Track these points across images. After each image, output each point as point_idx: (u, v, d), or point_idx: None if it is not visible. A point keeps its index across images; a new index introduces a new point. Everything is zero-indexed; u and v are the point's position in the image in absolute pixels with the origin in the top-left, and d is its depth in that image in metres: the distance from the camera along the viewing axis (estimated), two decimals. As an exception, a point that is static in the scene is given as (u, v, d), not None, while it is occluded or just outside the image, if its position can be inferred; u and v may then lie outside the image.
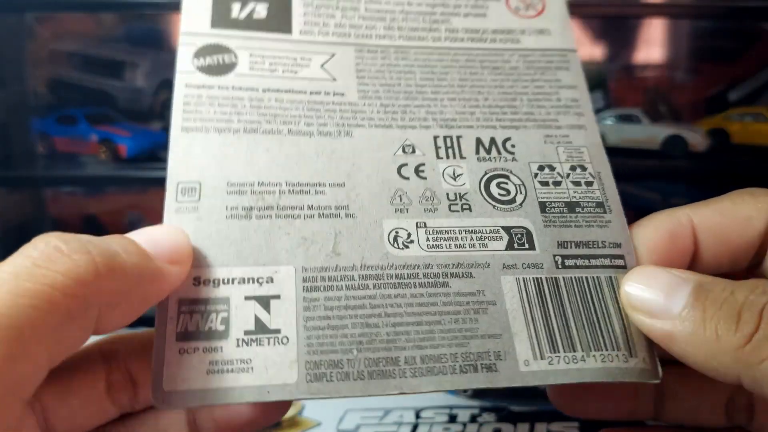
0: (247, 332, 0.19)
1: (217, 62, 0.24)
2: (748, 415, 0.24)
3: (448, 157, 0.24)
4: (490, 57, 0.26)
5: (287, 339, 0.19)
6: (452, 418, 0.40)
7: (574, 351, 0.20)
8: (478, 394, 0.42)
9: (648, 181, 0.72)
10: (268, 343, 0.19)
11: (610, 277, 0.22)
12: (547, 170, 0.24)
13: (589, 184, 0.23)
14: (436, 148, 0.24)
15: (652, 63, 0.74)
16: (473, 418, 0.40)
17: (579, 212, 0.23)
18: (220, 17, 0.25)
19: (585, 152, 0.24)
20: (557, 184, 0.23)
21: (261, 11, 0.26)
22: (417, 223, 0.22)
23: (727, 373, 0.18)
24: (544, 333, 0.20)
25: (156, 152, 0.70)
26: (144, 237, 0.19)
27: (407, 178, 0.23)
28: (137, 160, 0.68)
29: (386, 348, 0.19)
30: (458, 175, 0.23)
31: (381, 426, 0.39)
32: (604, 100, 0.68)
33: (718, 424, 0.24)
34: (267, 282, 0.20)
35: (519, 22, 0.27)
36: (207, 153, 0.22)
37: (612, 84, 0.73)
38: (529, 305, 0.21)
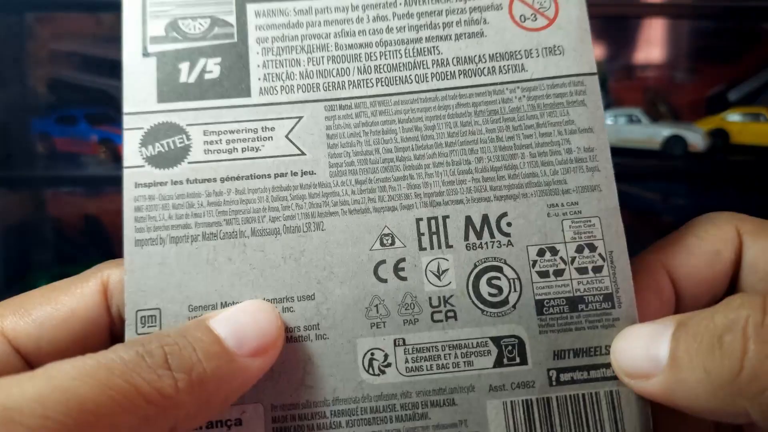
0: None
1: (167, 148, 0.21)
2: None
3: (432, 247, 0.20)
4: (486, 97, 0.21)
5: None
6: None
7: None
8: None
9: (648, 181, 0.72)
10: None
11: (611, 391, 0.19)
12: (548, 255, 0.20)
13: (597, 270, 0.20)
14: (419, 235, 0.20)
15: (652, 63, 0.74)
16: None
17: (582, 310, 0.20)
18: (168, 86, 0.21)
19: (596, 225, 0.20)
20: (559, 273, 0.20)
21: (213, 69, 0.22)
22: (395, 341, 0.20)
23: (734, 411, 0.16)
24: None
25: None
26: (229, 329, 0.18)
27: (385, 281, 0.20)
28: (137, 160, 0.68)
29: None
30: (443, 272, 0.20)
31: None
32: (604, 100, 0.68)
33: None
34: (235, 425, 0.19)
35: (524, 39, 0.22)
36: (164, 272, 0.20)
37: (612, 84, 0.73)
38: None
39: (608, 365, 0.19)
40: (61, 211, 0.77)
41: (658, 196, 0.71)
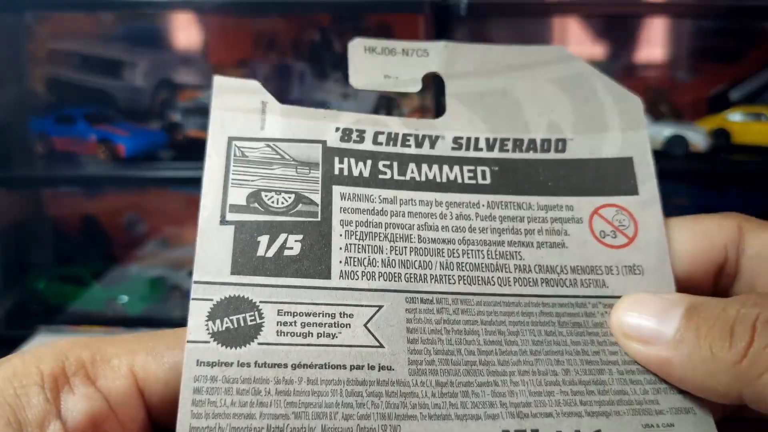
0: None
1: (236, 325, 0.19)
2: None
3: None
4: (569, 308, 0.21)
5: None
6: None
7: None
8: None
9: (649, 180, 0.72)
10: None
11: None
12: None
13: None
14: None
15: (653, 62, 0.74)
16: None
17: None
18: (243, 258, 0.20)
19: None
20: None
21: (294, 246, 0.20)
22: None
23: (728, 392, 0.18)
24: None
25: (154, 152, 0.70)
26: None
27: None
28: (136, 159, 0.68)
29: None
30: None
31: None
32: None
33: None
34: None
35: (605, 255, 0.21)
36: None
37: (613, 83, 0.73)
38: None
39: None
40: (59, 211, 0.77)
41: (659, 196, 0.71)
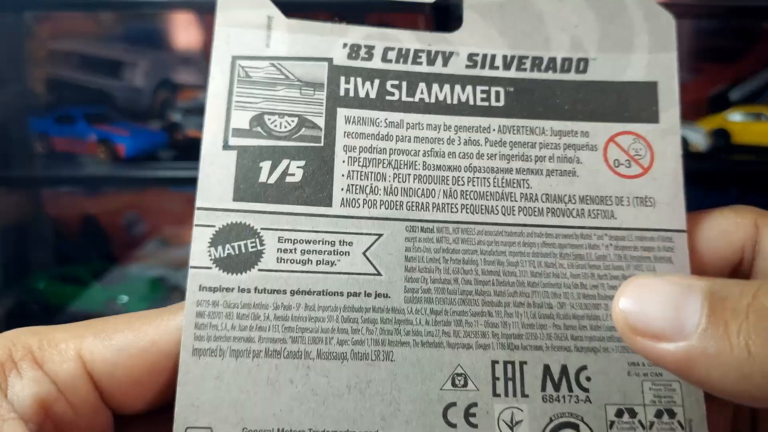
0: None
1: (238, 252, 0.20)
2: (753, 424, 0.23)
3: (507, 394, 0.19)
4: (573, 240, 0.20)
5: None
6: None
7: None
8: None
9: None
10: None
11: None
12: (626, 417, 0.19)
13: None
14: (494, 379, 0.19)
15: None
16: None
17: None
18: (246, 184, 0.20)
19: (677, 390, 0.19)
20: None
21: (296, 172, 0.20)
22: None
23: (763, 396, 0.15)
24: None
25: (154, 152, 0.70)
26: None
27: (454, 426, 0.19)
28: (136, 159, 0.68)
29: None
30: (517, 423, 0.19)
31: None
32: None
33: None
34: None
35: (616, 185, 0.21)
36: (221, 388, 0.18)
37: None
38: None
39: None
40: (59, 211, 0.77)
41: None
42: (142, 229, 0.77)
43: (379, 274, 0.20)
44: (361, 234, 0.20)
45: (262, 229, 0.20)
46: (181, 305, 0.20)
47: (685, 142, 0.67)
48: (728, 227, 0.20)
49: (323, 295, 0.20)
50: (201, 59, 0.75)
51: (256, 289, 0.20)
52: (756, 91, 0.71)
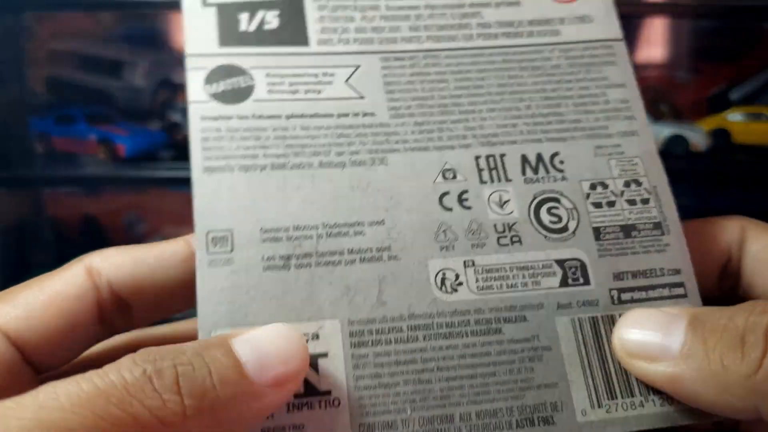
0: (297, 396, 0.18)
1: (232, 87, 0.22)
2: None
3: (492, 180, 0.21)
4: (528, 55, 0.23)
5: (338, 401, 0.19)
6: None
7: (632, 396, 0.19)
8: None
9: (649, 180, 0.71)
10: (320, 407, 0.18)
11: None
12: (599, 189, 0.22)
13: (645, 201, 0.22)
14: (479, 170, 0.22)
15: (653, 62, 0.74)
16: None
17: (635, 237, 0.21)
18: (228, 32, 0.22)
19: (639, 163, 0.22)
20: (611, 204, 0.21)
21: (272, 20, 0.23)
22: (465, 262, 0.20)
23: (744, 406, 0.17)
24: (601, 379, 0.19)
25: (154, 152, 0.70)
26: (252, 353, 0.17)
27: (450, 209, 0.21)
28: (136, 159, 0.68)
29: (440, 405, 0.19)
30: (505, 202, 0.21)
31: None
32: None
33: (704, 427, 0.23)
34: (312, 339, 0.19)
35: (557, 9, 0.24)
36: (235, 196, 0.20)
37: (613, 83, 0.72)
38: (586, 349, 0.20)
39: (665, 285, 0.21)
40: (59, 211, 0.77)
41: (659, 196, 0.71)
42: (142, 229, 0.77)
43: (362, 97, 0.22)
44: (340, 66, 0.23)
45: (250, 68, 0.22)
46: (76, 259, 0.21)
47: (685, 142, 0.67)
48: (716, 230, 0.22)
49: (316, 117, 0.22)
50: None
51: (253, 115, 0.21)
52: (756, 91, 0.71)
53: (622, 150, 0.22)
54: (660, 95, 0.73)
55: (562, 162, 0.22)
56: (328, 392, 0.19)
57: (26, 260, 0.74)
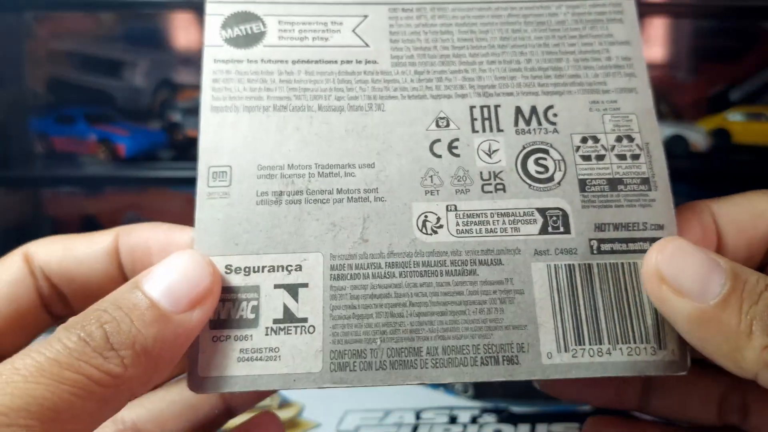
0: (275, 321, 0.20)
1: (245, 32, 0.23)
2: (742, 414, 0.23)
3: (484, 130, 0.22)
4: (534, 10, 0.24)
5: (313, 328, 0.20)
6: (453, 419, 0.40)
7: (600, 343, 0.20)
8: (479, 394, 0.42)
9: (649, 180, 0.71)
10: (296, 332, 0.20)
11: None
12: (590, 142, 0.22)
13: (635, 157, 0.22)
14: (472, 120, 0.22)
15: (653, 62, 0.74)
16: (474, 419, 0.40)
17: (621, 190, 0.21)
18: None
19: (634, 120, 0.22)
20: (600, 158, 0.22)
21: None
22: (447, 206, 0.21)
23: (747, 368, 0.17)
24: (571, 324, 0.20)
25: (154, 152, 0.70)
26: (162, 289, 0.18)
27: (440, 156, 0.22)
28: (136, 159, 0.68)
29: (409, 338, 0.20)
30: (494, 151, 0.22)
31: (381, 427, 0.39)
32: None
33: (709, 421, 0.24)
34: (296, 270, 0.20)
35: None
36: (237, 135, 0.22)
37: (613, 83, 0.72)
38: (559, 295, 0.20)
39: (646, 239, 0.21)
40: (59, 211, 0.76)
41: (659, 196, 0.71)
42: (142, 229, 0.77)
43: (367, 45, 0.23)
44: (349, 16, 0.24)
45: (264, 15, 0.24)
46: (14, 251, 0.22)
47: (685, 142, 0.67)
48: (764, 207, 0.21)
49: (320, 63, 0.23)
50: (201, 59, 0.74)
51: (262, 60, 0.23)
52: (756, 91, 0.71)
53: (618, 106, 0.23)
54: (660, 95, 0.73)
55: (555, 115, 0.22)
56: (305, 319, 0.20)
57: (26, 260, 0.74)
